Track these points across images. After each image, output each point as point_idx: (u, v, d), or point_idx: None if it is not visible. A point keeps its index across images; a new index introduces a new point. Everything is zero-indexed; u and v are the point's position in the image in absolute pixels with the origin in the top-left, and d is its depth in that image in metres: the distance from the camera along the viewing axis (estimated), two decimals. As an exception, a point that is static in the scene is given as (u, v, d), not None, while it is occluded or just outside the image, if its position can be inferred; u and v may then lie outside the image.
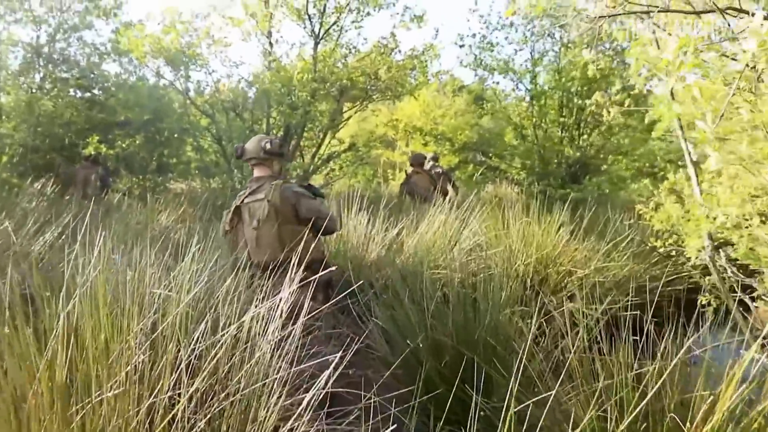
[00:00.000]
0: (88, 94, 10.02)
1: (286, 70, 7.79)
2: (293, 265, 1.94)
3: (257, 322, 1.87)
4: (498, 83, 9.12)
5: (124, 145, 8.15)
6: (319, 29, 8.44)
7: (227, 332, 1.83)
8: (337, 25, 8.56)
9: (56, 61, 10.12)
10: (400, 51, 8.90)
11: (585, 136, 8.32)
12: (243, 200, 3.02)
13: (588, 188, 7.54)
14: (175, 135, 8.51)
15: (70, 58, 10.30)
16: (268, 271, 2.54)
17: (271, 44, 8.20)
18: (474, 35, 8.52)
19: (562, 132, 8.32)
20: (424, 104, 13.82)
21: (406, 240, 5.04)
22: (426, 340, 2.52)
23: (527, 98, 8.74)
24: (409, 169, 7.94)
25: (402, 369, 2.58)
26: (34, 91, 9.68)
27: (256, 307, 1.86)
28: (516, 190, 10.35)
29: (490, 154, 10.85)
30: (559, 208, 5.08)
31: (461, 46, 8.80)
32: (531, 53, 8.49)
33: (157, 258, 2.79)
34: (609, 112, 3.75)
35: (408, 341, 2.60)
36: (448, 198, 6.26)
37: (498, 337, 2.62)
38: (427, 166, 7.96)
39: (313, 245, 2.55)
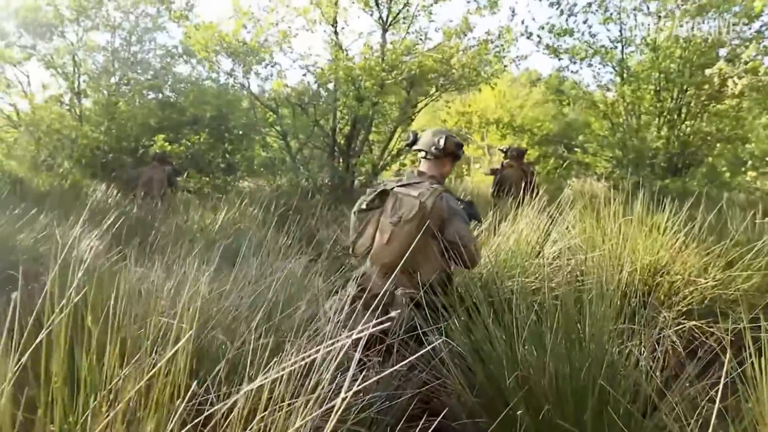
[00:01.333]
0: (160, 95, 10.12)
1: (350, 59, 7.32)
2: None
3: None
4: (579, 71, 8.17)
5: (189, 143, 8.00)
6: (387, 16, 7.92)
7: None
8: (407, 12, 8.02)
9: (131, 64, 10.28)
10: (474, 38, 8.25)
11: (688, 122, 7.28)
12: (393, 187, 2.67)
13: (693, 181, 6.57)
14: (240, 132, 8.27)
15: (144, 60, 10.47)
16: (375, 276, 2.50)
17: (336, 33, 7.76)
18: (543, 26, 7.73)
19: (659, 119, 7.34)
20: (499, 95, 13.04)
21: (486, 242, 4.42)
22: (516, 381, 1.93)
23: (617, 82, 7.79)
24: (494, 163, 7.34)
25: (486, 414, 2.01)
26: (110, 94, 9.86)
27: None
28: (604, 185, 9.41)
29: (574, 147, 9.97)
30: (667, 204, 4.28)
31: (528, 36, 8.02)
32: (620, 31, 7.58)
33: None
34: (735, 83, 2.99)
35: (492, 375, 2.02)
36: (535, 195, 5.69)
37: (612, 375, 1.99)
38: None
39: (438, 270, 2.52)
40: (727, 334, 3.19)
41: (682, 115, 7.19)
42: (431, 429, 1.48)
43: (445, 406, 2.01)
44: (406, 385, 2.12)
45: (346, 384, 1.06)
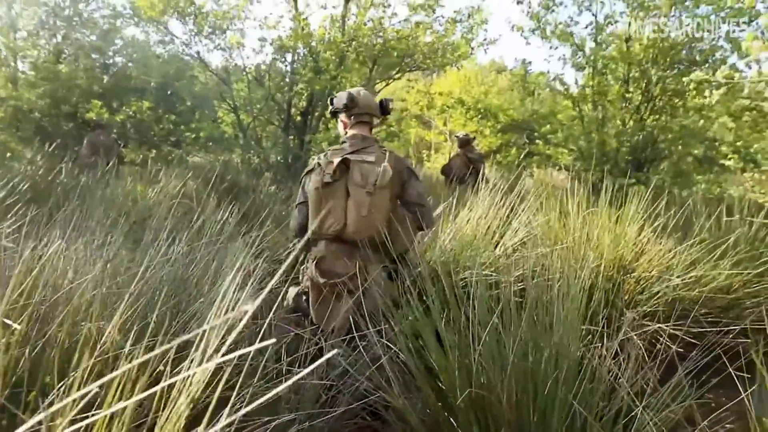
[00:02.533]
0: (105, 60, 9.38)
1: (308, 25, 6.80)
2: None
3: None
4: (551, 56, 7.83)
5: (130, 112, 7.38)
6: (350, -16, 7.46)
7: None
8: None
9: (74, 24, 9.48)
10: (441, 16, 7.89)
11: (654, 116, 7.13)
12: (345, 156, 2.44)
13: (656, 177, 6.44)
14: (189, 103, 7.64)
15: (90, 20, 9.67)
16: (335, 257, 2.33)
17: (295, 1, 7.22)
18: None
19: (624, 111, 7.17)
20: (464, 80, 12.74)
21: (441, 230, 4.11)
22: (470, 398, 1.60)
23: (587, 71, 7.56)
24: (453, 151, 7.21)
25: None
26: (50, 53, 9.08)
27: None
28: (565, 177, 9.28)
29: (536, 138, 9.83)
30: (632, 198, 4.06)
31: (519, 2, 7.65)
32: (594, 17, 7.35)
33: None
34: (711, 92, 2.78)
35: (441, 391, 1.70)
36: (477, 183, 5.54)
37: (580, 390, 1.70)
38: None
39: (410, 239, 2.44)
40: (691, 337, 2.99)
41: (647, 110, 7.04)
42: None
43: (384, 424, 1.68)
44: (338, 397, 1.78)
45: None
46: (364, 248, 2.32)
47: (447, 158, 13.44)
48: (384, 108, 2.63)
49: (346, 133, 2.62)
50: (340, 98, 2.59)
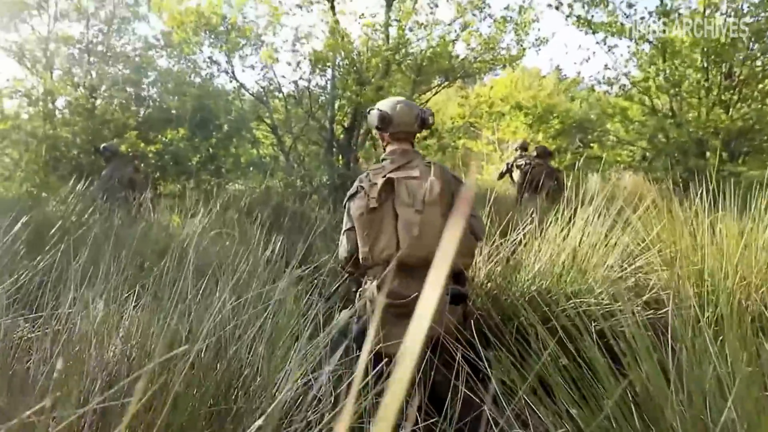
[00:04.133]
0: (139, 92, 9.14)
1: (348, 35, 6.27)
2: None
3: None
4: (614, 47, 7.06)
5: (166, 139, 6.98)
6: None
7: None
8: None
9: (108, 58, 9.31)
10: (490, 16, 7.26)
11: (742, 102, 6.26)
12: (388, 174, 2.28)
13: (754, 170, 5.61)
14: (227, 127, 7.18)
15: (122, 53, 9.50)
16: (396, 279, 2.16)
17: (333, 8, 6.67)
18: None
19: (707, 99, 6.34)
20: (511, 85, 12.02)
21: (528, 250, 3.44)
22: None
23: (657, 61, 6.77)
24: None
25: None
26: (85, 89, 8.90)
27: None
28: (632, 177, 8.47)
29: (590, 141, 9.31)
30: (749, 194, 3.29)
31: (557, 7, 7.02)
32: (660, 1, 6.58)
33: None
34: None
35: None
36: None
37: None
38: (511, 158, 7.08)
39: (466, 254, 2.32)
40: None
41: (734, 94, 6.19)
42: None
43: None
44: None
45: None
46: (424, 269, 1.91)
47: (497, 168, 12.80)
48: (424, 122, 2.44)
49: (386, 149, 2.47)
50: (373, 117, 2.39)
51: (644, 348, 1.53)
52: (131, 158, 6.58)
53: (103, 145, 6.00)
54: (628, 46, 6.84)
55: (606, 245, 3.21)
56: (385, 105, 2.43)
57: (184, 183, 7.62)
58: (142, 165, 6.57)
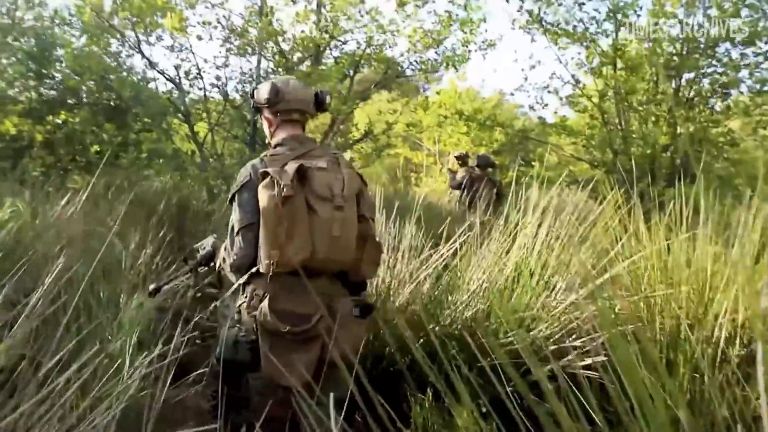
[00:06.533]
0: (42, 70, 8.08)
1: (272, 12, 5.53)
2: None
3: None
4: (563, 55, 6.71)
5: (59, 121, 6.00)
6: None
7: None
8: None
9: (10, 29, 8.20)
10: (433, 11, 6.75)
11: (691, 121, 5.98)
12: (294, 162, 1.90)
13: (701, 191, 5.28)
14: (136, 113, 6.22)
15: (29, 27, 8.42)
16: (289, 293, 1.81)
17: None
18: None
19: (657, 115, 6.03)
20: (454, 95, 11.60)
21: (463, 271, 2.84)
22: None
23: (603, 71, 6.42)
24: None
25: None
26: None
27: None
28: (571, 194, 8.17)
29: (532, 160, 9.31)
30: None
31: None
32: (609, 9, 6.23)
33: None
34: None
35: None
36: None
37: None
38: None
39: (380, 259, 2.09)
40: None
41: (688, 111, 5.89)
42: None
43: None
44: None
45: None
46: (327, 278, 1.90)
47: (436, 181, 12.35)
48: (320, 102, 2.14)
49: (273, 134, 2.10)
50: (262, 90, 2.06)
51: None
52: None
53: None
54: (579, 52, 6.42)
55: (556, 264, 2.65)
56: (276, 79, 2.14)
57: (82, 174, 6.57)
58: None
